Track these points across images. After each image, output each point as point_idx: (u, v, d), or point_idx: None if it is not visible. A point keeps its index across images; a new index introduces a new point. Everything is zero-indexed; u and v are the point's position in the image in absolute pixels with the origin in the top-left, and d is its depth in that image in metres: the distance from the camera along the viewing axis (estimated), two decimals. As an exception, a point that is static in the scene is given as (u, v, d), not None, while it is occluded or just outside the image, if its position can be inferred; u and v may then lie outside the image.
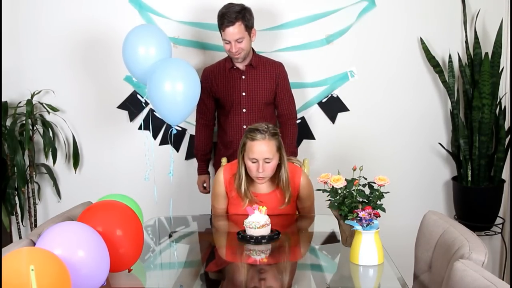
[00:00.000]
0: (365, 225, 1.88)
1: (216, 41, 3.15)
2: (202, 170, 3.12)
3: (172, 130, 2.67)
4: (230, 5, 2.79)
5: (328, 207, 2.09)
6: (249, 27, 2.79)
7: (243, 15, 2.75)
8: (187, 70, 2.57)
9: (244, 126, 2.89)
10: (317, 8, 3.15)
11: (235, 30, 2.73)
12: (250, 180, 2.43)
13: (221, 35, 2.81)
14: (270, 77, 2.92)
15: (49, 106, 3.21)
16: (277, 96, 2.97)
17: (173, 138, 2.82)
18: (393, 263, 1.95)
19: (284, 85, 2.97)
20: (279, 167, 2.41)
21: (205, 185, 3.11)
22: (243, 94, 2.91)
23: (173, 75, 2.50)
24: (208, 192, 3.09)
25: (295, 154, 3.00)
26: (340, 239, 2.15)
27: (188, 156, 3.28)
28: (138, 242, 1.85)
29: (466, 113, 3.16)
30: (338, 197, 2.04)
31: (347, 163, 2.25)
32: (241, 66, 2.91)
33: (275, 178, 2.44)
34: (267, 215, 2.22)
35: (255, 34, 2.87)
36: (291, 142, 2.97)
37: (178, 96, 2.51)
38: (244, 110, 2.92)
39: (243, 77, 2.91)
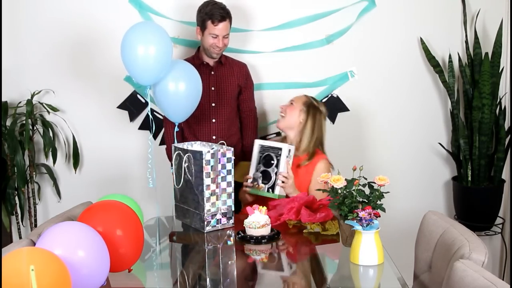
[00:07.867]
0: (365, 225, 1.89)
1: (216, 41, 3.15)
2: None
3: (175, 128, 2.73)
4: (214, 2, 2.86)
5: (329, 207, 2.09)
6: (230, 26, 2.89)
7: (230, 14, 2.85)
8: (190, 71, 2.68)
9: (214, 120, 2.94)
10: (317, 8, 3.15)
11: (226, 26, 2.82)
12: None
13: (206, 29, 2.82)
14: (239, 75, 3.01)
15: (49, 106, 3.21)
16: (242, 94, 3.07)
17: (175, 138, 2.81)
18: (393, 263, 1.95)
19: (250, 85, 3.08)
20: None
21: None
22: (212, 88, 2.96)
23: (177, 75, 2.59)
24: None
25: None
26: (340, 239, 2.15)
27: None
28: (138, 242, 1.85)
29: (466, 113, 3.16)
30: (338, 197, 2.04)
31: (347, 163, 2.25)
32: (210, 62, 2.96)
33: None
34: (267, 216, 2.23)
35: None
36: (253, 133, 3.09)
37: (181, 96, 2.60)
38: (213, 105, 2.96)
39: (212, 72, 2.97)
